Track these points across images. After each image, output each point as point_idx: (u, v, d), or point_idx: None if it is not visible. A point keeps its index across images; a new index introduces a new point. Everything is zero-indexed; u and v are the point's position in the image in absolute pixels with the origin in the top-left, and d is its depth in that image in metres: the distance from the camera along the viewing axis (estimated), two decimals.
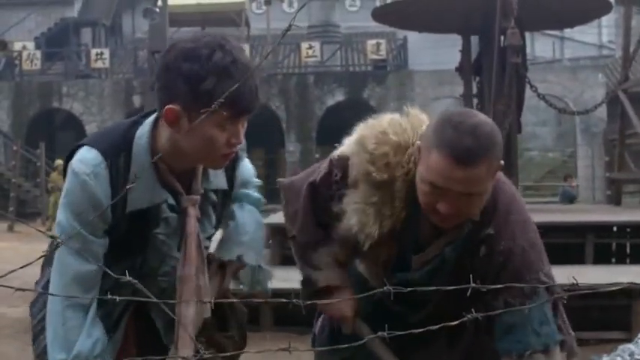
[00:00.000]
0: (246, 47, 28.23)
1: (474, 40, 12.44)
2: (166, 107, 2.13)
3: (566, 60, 35.95)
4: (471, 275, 2.28)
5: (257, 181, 2.76)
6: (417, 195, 2.26)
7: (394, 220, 2.31)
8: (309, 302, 2.56)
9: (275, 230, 9.01)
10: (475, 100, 12.06)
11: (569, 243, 8.69)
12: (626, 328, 6.91)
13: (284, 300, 1.70)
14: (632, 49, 13.60)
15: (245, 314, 2.70)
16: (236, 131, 2.18)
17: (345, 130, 2.54)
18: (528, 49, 13.64)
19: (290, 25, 1.52)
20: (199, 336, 2.41)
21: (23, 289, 1.47)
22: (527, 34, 13.25)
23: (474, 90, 12.25)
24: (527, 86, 11.26)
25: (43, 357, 2.39)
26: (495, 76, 10.90)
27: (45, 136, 26.34)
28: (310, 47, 28.88)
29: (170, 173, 2.29)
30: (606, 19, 30.32)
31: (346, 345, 1.73)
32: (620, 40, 15.52)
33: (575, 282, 1.52)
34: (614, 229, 9.19)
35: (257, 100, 2.16)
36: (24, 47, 30.51)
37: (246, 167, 2.67)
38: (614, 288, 1.53)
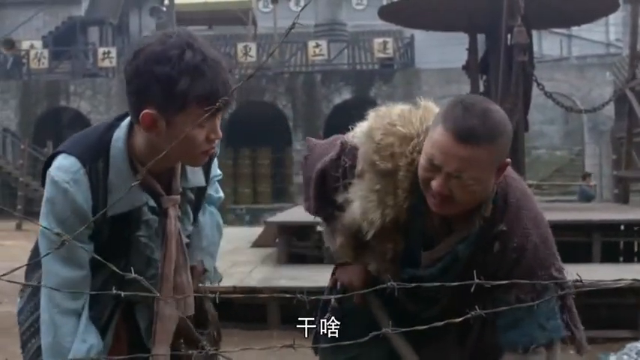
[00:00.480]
0: (254, 46, 28.28)
1: (481, 38, 12.44)
2: (143, 112, 2.12)
3: (574, 58, 35.87)
4: (480, 271, 2.30)
5: (219, 174, 2.74)
6: (420, 186, 2.27)
7: (397, 210, 2.31)
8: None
9: (282, 229, 9.03)
10: None
11: (577, 241, 8.68)
12: (633, 326, 6.91)
13: (288, 295, 1.70)
14: (639, 47, 13.57)
15: (216, 315, 2.72)
16: (214, 127, 2.19)
17: (352, 129, 2.54)
18: (535, 48, 13.64)
19: (294, 24, 1.52)
20: (178, 334, 2.42)
21: (30, 284, 1.48)
22: (535, 33, 13.25)
23: (481, 88, 12.24)
24: (534, 84, 11.25)
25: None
26: (502, 74, 10.90)
27: (52, 135, 26.33)
28: (317, 46, 28.84)
29: (149, 175, 2.28)
30: (614, 17, 30.25)
31: (350, 342, 1.72)
32: (628, 38, 15.47)
33: (579, 279, 1.53)
34: (622, 227, 9.17)
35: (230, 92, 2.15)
36: (31, 46, 30.53)
37: (215, 163, 2.68)
38: (617, 285, 1.54)
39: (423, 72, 27.75)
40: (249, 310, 7.09)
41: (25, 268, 1.54)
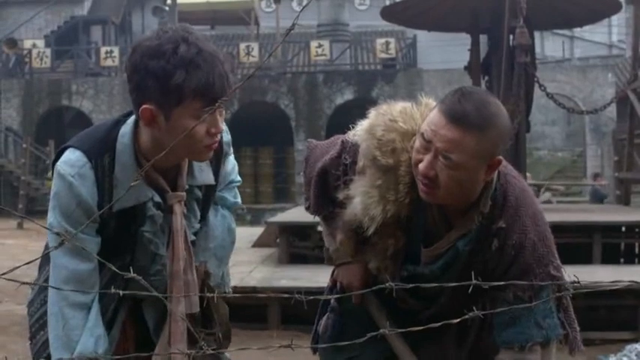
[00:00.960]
0: (256, 46, 28.28)
1: (483, 39, 12.43)
2: (141, 108, 2.14)
3: (576, 59, 35.87)
4: (478, 270, 2.31)
5: (238, 180, 2.74)
6: None
7: (398, 205, 2.32)
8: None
9: (283, 229, 9.03)
10: None
11: (577, 242, 8.68)
12: (633, 328, 6.91)
13: (286, 295, 1.71)
14: None
15: (227, 312, 2.72)
16: (214, 121, 2.19)
17: (354, 128, 2.55)
18: (538, 49, 13.62)
19: (293, 25, 1.53)
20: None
21: (29, 283, 1.49)
22: (537, 34, 13.23)
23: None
24: (536, 85, 11.24)
25: (40, 354, 2.42)
26: (504, 75, 10.89)
27: (54, 134, 26.36)
28: (319, 46, 28.83)
29: (155, 171, 2.30)
30: (616, 19, 30.30)
31: (349, 342, 1.73)
32: (630, 39, 15.47)
33: (577, 280, 1.53)
34: (623, 229, 9.17)
35: (229, 85, 2.15)
36: (34, 45, 30.55)
37: (231, 163, 2.68)
38: (614, 287, 1.54)
39: (426, 72, 27.75)
40: (249, 310, 7.10)
41: (29, 264, 1.56)
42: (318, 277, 6.28)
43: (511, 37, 10.84)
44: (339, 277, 2.76)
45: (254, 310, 7.14)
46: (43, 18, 35.05)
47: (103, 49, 30.06)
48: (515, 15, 10.48)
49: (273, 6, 33.01)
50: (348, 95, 27.41)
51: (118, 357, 2.30)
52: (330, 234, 2.71)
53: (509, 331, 2.31)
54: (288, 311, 7.07)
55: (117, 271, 1.66)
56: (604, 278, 6.60)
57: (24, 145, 24.24)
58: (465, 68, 12.67)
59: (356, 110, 2.50)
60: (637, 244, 9.26)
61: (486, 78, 12.17)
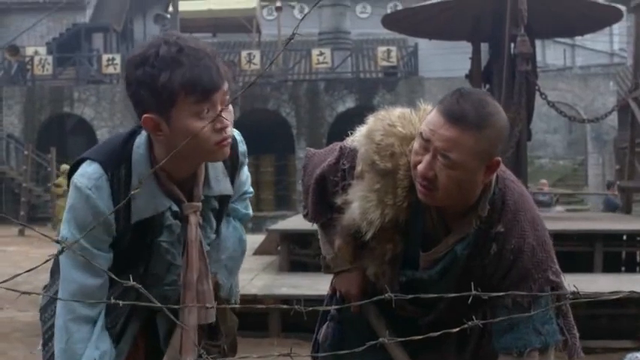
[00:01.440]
0: (257, 53, 28.31)
1: (485, 47, 12.44)
2: (143, 118, 2.15)
3: (578, 68, 35.88)
4: (477, 275, 2.31)
5: (250, 191, 2.74)
6: None
7: (396, 209, 2.32)
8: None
9: (284, 236, 9.03)
10: None
11: (579, 251, 8.68)
12: (634, 336, 6.90)
13: (285, 306, 1.70)
14: None
15: (236, 323, 2.72)
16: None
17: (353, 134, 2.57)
18: (539, 57, 13.64)
19: (294, 34, 1.53)
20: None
21: (29, 293, 1.49)
22: (538, 42, 13.23)
23: None
24: (537, 94, 11.25)
25: None
26: (505, 83, 10.90)
27: (56, 141, 26.39)
28: (321, 54, 28.86)
29: (171, 181, 2.30)
30: (618, 27, 30.32)
31: (349, 351, 1.73)
32: (632, 47, 15.48)
33: (576, 290, 1.53)
34: (624, 237, 9.16)
35: (219, 76, 2.13)
36: (36, 52, 30.58)
37: (245, 174, 2.67)
38: (614, 297, 1.54)
39: (427, 80, 27.78)
40: (250, 318, 7.09)
41: (30, 272, 1.57)
42: (318, 284, 6.27)
43: (512, 45, 10.86)
44: (338, 286, 2.76)
45: (255, 318, 7.12)
46: (45, 25, 35.09)
47: (105, 57, 30.09)
48: (516, 23, 10.50)
49: (275, 14, 33.04)
50: (349, 103, 27.43)
51: None
52: (327, 241, 2.71)
53: (507, 337, 2.31)
54: (289, 319, 7.06)
55: (120, 281, 1.65)
56: (605, 287, 6.60)
57: (25, 152, 24.25)
58: (466, 76, 12.69)
59: (357, 118, 2.50)
60: (638, 253, 9.25)
61: (487, 86, 12.17)
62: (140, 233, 2.32)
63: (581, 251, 8.66)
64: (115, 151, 2.30)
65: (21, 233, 20.01)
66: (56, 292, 2.38)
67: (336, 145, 2.62)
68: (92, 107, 28.53)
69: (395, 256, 2.43)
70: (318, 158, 2.69)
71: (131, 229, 2.30)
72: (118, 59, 29.49)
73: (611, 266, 8.73)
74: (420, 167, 2.20)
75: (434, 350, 2.57)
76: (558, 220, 11.51)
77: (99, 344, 2.29)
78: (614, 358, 6.07)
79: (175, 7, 24.76)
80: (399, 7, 27.19)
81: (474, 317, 1.71)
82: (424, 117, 2.32)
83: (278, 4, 31.87)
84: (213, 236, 2.50)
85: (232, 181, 2.51)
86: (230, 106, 2.24)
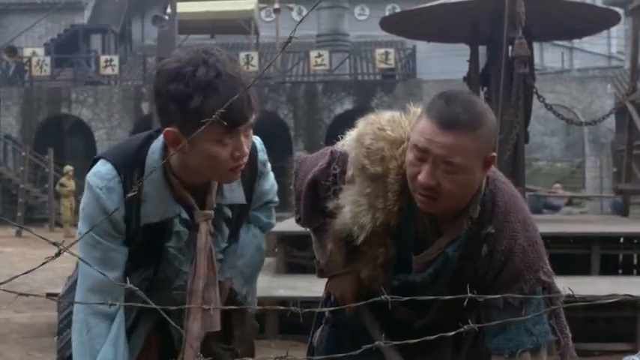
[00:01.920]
0: (256, 55, 28.31)
1: (483, 50, 12.45)
2: (165, 130, 2.16)
3: (575, 70, 35.92)
4: (469, 276, 2.31)
5: (275, 201, 2.74)
6: (410, 189, 2.29)
7: (387, 213, 2.32)
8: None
9: (281, 238, 9.02)
10: None
11: (576, 254, 8.68)
12: (631, 339, 6.90)
13: (282, 307, 1.70)
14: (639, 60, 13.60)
15: (255, 329, 2.73)
16: (238, 144, 2.17)
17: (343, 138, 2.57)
18: (537, 60, 13.64)
19: (291, 37, 1.53)
20: (201, 346, 2.43)
21: (26, 294, 1.49)
22: (537, 45, 13.26)
23: (482, 100, 12.24)
24: (535, 96, 11.26)
25: (64, 352, 2.45)
26: (503, 86, 10.91)
27: (53, 142, 26.39)
28: (319, 56, 28.89)
29: (184, 188, 2.31)
30: (616, 30, 30.32)
31: (344, 355, 1.73)
32: (629, 50, 15.50)
33: (571, 293, 1.53)
34: (621, 240, 9.16)
35: (250, 108, 2.14)
36: (34, 53, 30.60)
37: (269, 183, 2.67)
38: (610, 300, 1.54)
39: (425, 83, 27.78)
40: None
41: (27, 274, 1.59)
42: (315, 286, 6.26)
43: (510, 48, 10.86)
44: (332, 290, 2.77)
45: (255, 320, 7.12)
46: (43, 26, 35.11)
47: (103, 58, 30.13)
48: (514, 26, 10.50)
49: (273, 15, 33.06)
50: (347, 105, 27.45)
51: None
52: (320, 246, 2.72)
53: (499, 338, 2.30)
54: (286, 321, 7.06)
55: (120, 284, 1.66)
56: (602, 290, 6.60)
57: (23, 153, 24.25)
58: (464, 79, 12.69)
59: (355, 120, 2.50)
60: (635, 256, 9.25)
61: (485, 89, 12.19)
62: (150, 236, 2.34)
63: (578, 254, 8.66)
64: (129, 154, 2.32)
65: (18, 234, 20.01)
66: (76, 281, 2.41)
67: (327, 150, 2.62)
68: (90, 108, 28.54)
69: (387, 259, 2.43)
70: (310, 163, 2.69)
71: (141, 231, 2.32)
72: (116, 60, 29.52)
73: (608, 269, 8.73)
74: (421, 178, 2.19)
75: (429, 353, 2.57)
76: (555, 222, 11.52)
77: (117, 341, 2.31)
78: None
79: (173, 8, 24.70)
80: (398, 10, 27.26)
81: (469, 321, 1.70)
82: (414, 120, 2.32)
83: (276, 5, 31.89)
84: (224, 245, 2.50)
85: (251, 191, 2.52)
86: (250, 132, 2.24)
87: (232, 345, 2.59)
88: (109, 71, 29.56)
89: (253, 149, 2.44)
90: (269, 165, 2.63)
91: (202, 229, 2.35)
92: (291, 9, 34.00)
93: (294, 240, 8.89)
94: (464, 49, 12.90)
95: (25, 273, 1.51)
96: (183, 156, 2.20)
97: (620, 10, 14.05)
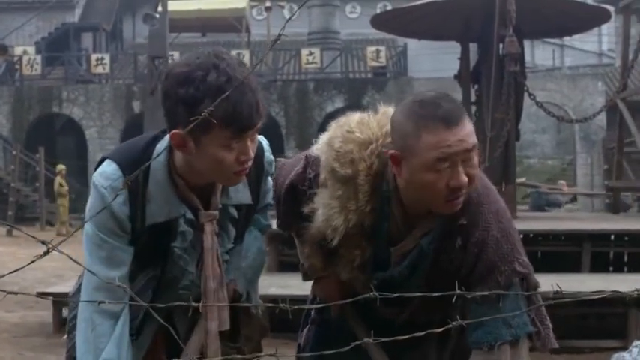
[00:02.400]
0: (247, 53, 28.30)
1: (474, 47, 12.48)
2: (172, 133, 2.17)
3: (566, 68, 36.00)
4: (445, 269, 2.32)
5: (271, 203, 2.76)
6: (382, 189, 2.32)
7: (359, 214, 2.33)
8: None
9: (272, 237, 9.01)
10: (474, 108, 12.08)
11: (567, 251, 8.70)
12: (622, 336, 6.92)
13: (270, 305, 1.71)
14: (630, 57, 13.63)
15: (265, 330, 2.75)
16: (244, 149, 2.18)
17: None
18: (528, 57, 13.69)
19: (279, 35, 1.54)
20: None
21: (15, 292, 1.49)
22: (527, 42, 13.29)
23: (473, 98, 12.27)
24: (526, 94, 11.29)
25: (73, 352, 2.44)
26: (494, 84, 10.94)
27: (44, 141, 26.30)
28: (310, 54, 28.90)
29: (189, 189, 2.33)
30: (606, 28, 30.42)
31: (329, 351, 1.74)
32: (620, 48, 15.55)
33: (559, 289, 1.54)
34: (612, 237, 9.19)
35: (258, 114, 2.14)
36: (24, 52, 30.49)
37: (269, 185, 2.67)
38: (597, 296, 1.55)
39: (416, 81, 27.78)
40: None
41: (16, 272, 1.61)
42: (306, 284, 6.27)
43: (501, 46, 10.89)
44: (317, 292, 2.79)
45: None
46: (34, 24, 35.03)
47: (94, 56, 30.05)
48: (504, 24, 10.53)
49: (264, 13, 33.05)
50: (338, 103, 27.44)
51: None
52: (302, 250, 2.73)
53: (478, 332, 2.29)
54: (278, 319, 7.04)
55: (113, 282, 1.67)
56: (592, 287, 6.60)
57: (14, 152, 24.18)
58: (455, 77, 12.72)
59: None
60: (626, 253, 9.27)
61: (476, 87, 12.22)
62: (156, 237, 2.35)
63: (569, 251, 8.69)
64: (135, 155, 2.33)
65: (9, 234, 19.94)
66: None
67: (303, 154, 2.63)
68: (81, 107, 28.47)
69: (364, 261, 2.44)
70: (288, 168, 2.69)
71: (147, 231, 2.33)
72: (107, 59, 29.46)
73: (599, 266, 8.75)
74: (456, 182, 2.18)
75: (414, 350, 2.58)
76: (546, 219, 11.56)
77: (121, 341, 2.32)
78: (602, 358, 6.10)
79: (165, 6, 24.64)
80: (389, 8, 27.25)
81: (458, 317, 1.71)
82: (383, 120, 2.34)
83: (267, 4, 31.89)
84: (230, 245, 2.51)
85: (257, 191, 2.54)
86: (256, 136, 2.26)
87: (239, 344, 2.61)
88: (100, 70, 29.48)
89: (260, 149, 2.46)
90: (274, 165, 2.64)
91: (207, 229, 2.37)
92: (283, 7, 34.04)
93: (286, 238, 8.86)
94: (455, 47, 12.93)
95: (13, 272, 1.51)
96: (189, 158, 2.21)
97: (610, 8, 14.09)
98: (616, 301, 6.95)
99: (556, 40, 34.86)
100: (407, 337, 1.69)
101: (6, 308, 8.49)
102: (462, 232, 2.32)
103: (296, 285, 7.34)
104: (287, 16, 33.43)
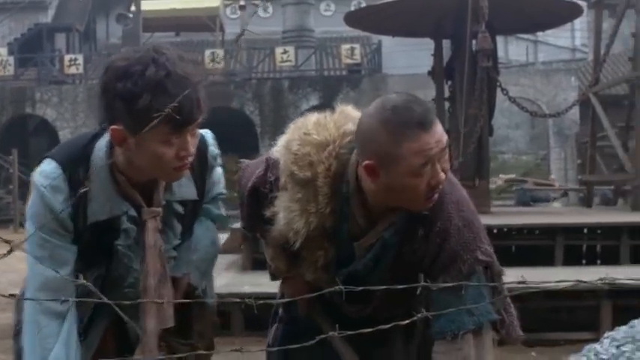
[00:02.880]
0: (221, 52, 28.26)
1: (448, 44, 12.50)
2: (111, 128, 2.14)
3: (540, 63, 36.16)
4: (409, 260, 2.32)
5: (223, 192, 2.74)
6: (341, 191, 2.32)
7: (320, 216, 2.33)
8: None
9: (247, 235, 8.99)
10: (447, 104, 12.11)
11: (540, 245, 8.74)
12: (594, 328, 6.96)
13: (238, 300, 1.71)
14: (602, 52, 13.71)
15: (216, 326, 2.75)
16: (184, 144, 2.17)
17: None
18: (502, 53, 13.76)
19: (243, 31, 1.54)
20: (162, 342, 2.44)
21: None
22: (501, 38, 13.35)
23: (447, 94, 12.30)
24: (499, 90, 11.33)
25: (20, 356, 2.41)
26: (467, 79, 10.96)
27: (18, 142, 26.12)
28: (285, 52, 28.89)
29: (130, 185, 2.30)
30: (579, 23, 30.56)
31: (298, 345, 1.74)
32: (592, 43, 15.63)
33: (522, 279, 1.55)
34: (585, 230, 9.24)
35: (199, 109, 2.13)
36: None
37: (217, 174, 2.67)
38: (561, 287, 1.56)
39: (390, 77, 27.86)
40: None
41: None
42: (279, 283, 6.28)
43: (474, 42, 10.92)
44: (285, 292, 2.79)
45: (217, 316, 7.10)
46: (6, 25, 34.76)
47: (67, 57, 29.87)
48: (477, 20, 10.56)
49: (239, 12, 33.00)
50: (313, 101, 27.44)
51: None
52: (267, 252, 2.74)
53: (441, 321, 2.28)
54: (251, 318, 7.04)
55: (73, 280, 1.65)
56: (566, 280, 6.64)
57: None
58: (429, 73, 12.74)
59: None
60: (599, 246, 9.32)
61: (450, 83, 12.24)
62: (99, 235, 2.32)
63: (543, 245, 8.73)
64: (75, 152, 2.30)
65: None
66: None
67: (264, 157, 2.62)
68: (54, 108, 28.31)
69: (327, 262, 2.44)
70: (250, 170, 2.70)
71: (89, 230, 2.30)
72: (80, 59, 29.29)
73: (572, 259, 8.79)
74: (436, 181, 2.20)
75: (382, 346, 2.58)
76: (519, 214, 11.61)
77: (69, 341, 2.29)
78: (574, 350, 6.12)
79: (138, 6, 24.64)
80: (363, 5, 27.26)
81: (423, 310, 1.71)
82: (340, 119, 2.34)
83: (241, 2, 31.90)
84: (177, 242, 2.50)
85: (202, 185, 2.52)
86: (197, 131, 2.24)
87: (191, 340, 2.59)
88: (73, 70, 29.31)
89: (203, 143, 2.44)
90: (219, 159, 2.62)
91: (150, 226, 2.35)
92: (257, 5, 33.98)
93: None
94: (429, 44, 12.93)
95: None
96: (129, 154, 2.19)
97: (582, 3, 14.13)
98: (587, 293, 7.00)
99: (530, 36, 35.02)
100: (372, 330, 1.69)
101: None
102: (425, 222, 2.32)
103: (269, 283, 7.32)
104: (261, 15, 33.45)
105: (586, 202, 14.03)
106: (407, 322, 1.70)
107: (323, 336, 1.66)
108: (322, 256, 2.43)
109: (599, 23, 14.39)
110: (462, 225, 2.33)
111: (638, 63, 12.57)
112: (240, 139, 27.33)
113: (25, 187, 23.00)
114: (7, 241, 1.64)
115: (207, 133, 2.49)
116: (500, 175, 25.05)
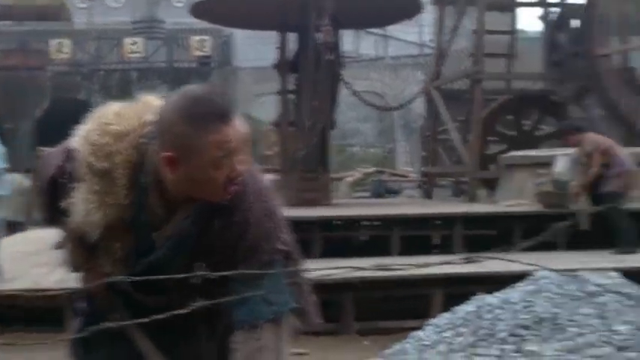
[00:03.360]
0: (69, 42, 27.60)
1: (294, 37, 12.59)
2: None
3: (389, 58, 36.82)
4: (209, 250, 2.33)
5: (2, 166, 2.69)
6: (140, 181, 2.28)
7: (118, 208, 2.29)
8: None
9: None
10: (292, 97, 12.22)
11: (378, 235, 8.94)
12: (426, 316, 7.16)
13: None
14: (444, 47, 14.11)
15: None
16: None
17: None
18: (352, 47, 13.93)
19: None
20: None
21: None
22: (352, 33, 13.52)
23: (292, 86, 12.40)
24: (342, 83, 11.51)
25: None
26: (312, 73, 11.09)
27: None
28: (134, 43, 28.46)
29: None
30: (427, 19, 31.27)
31: (81, 334, 1.72)
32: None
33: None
34: (420, 221, 9.49)
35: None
36: None
37: None
38: (331, 276, 1.59)
39: (240, 70, 27.87)
40: (47, 312, 6.94)
41: None
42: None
43: (318, 35, 11.04)
44: (83, 284, 2.74)
45: (51, 312, 6.98)
46: None
47: None
48: (320, 14, 10.69)
49: (87, 2, 32.29)
50: (162, 93, 27.13)
51: None
52: (65, 244, 2.68)
53: (240, 312, 2.27)
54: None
55: None
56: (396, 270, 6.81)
57: None
58: (274, 66, 12.81)
59: None
60: (433, 235, 9.59)
61: (295, 76, 12.35)
62: None
63: (380, 235, 8.93)
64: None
65: None
66: None
67: (65, 145, 2.57)
68: None
69: (125, 254, 2.41)
70: (49, 159, 2.62)
71: None
72: None
73: (408, 249, 9.02)
74: (235, 173, 2.18)
75: (186, 342, 2.57)
76: (358, 206, 11.83)
77: None
78: (404, 337, 6.28)
79: None
80: None
81: (202, 300, 1.72)
82: (142, 109, 2.32)
83: None
84: None
85: None
86: None
87: None
88: None
89: None
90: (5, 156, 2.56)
91: None
92: None
93: None
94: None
95: None
96: None
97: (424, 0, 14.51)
98: (421, 282, 7.20)
99: (379, 31, 35.51)
100: (165, 315, 1.68)
101: None
102: (224, 212, 2.32)
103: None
104: (111, 5, 32.84)
105: (427, 193, 14.41)
106: (185, 311, 1.70)
107: (109, 324, 1.65)
108: (120, 247, 2.38)
109: (442, 19, 14.81)
110: (263, 215, 2.32)
111: (479, 58, 12.99)
112: None
113: None
114: None
115: None
116: (358, 169, 25.34)
